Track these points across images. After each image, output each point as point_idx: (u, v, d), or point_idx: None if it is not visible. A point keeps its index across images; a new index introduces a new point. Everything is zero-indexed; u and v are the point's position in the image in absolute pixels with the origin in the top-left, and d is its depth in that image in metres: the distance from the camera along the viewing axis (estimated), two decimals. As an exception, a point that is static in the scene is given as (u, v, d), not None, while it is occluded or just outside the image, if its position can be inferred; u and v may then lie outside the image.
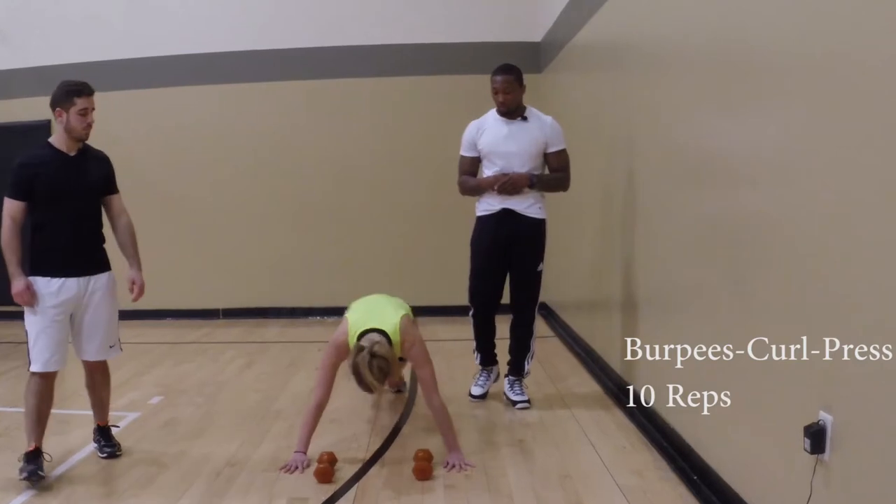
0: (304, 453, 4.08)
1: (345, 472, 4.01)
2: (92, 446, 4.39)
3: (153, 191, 8.49)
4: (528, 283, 5.03)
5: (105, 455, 4.26)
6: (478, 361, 5.32)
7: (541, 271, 5.02)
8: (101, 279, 4.17)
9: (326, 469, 3.90)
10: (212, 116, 8.48)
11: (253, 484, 3.89)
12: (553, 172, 4.97)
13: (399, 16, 8.28)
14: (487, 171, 4.96)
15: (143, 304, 9.09)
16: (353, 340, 4.01)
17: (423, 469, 3.91)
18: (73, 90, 4.03)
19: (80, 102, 4.02)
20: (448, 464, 4.02)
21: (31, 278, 3.98)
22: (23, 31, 8.40)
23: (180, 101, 8.46)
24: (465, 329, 7.43)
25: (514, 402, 5.01)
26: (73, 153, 4.08)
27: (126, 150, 8.36)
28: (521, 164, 4.86)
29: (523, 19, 8.23)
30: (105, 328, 4.20)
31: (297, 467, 4.01)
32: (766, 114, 2.96)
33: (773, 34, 2.87)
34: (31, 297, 3.95)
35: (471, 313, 5.25)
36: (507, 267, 5.05)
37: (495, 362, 5.32)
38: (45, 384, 4.01)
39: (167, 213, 8.52)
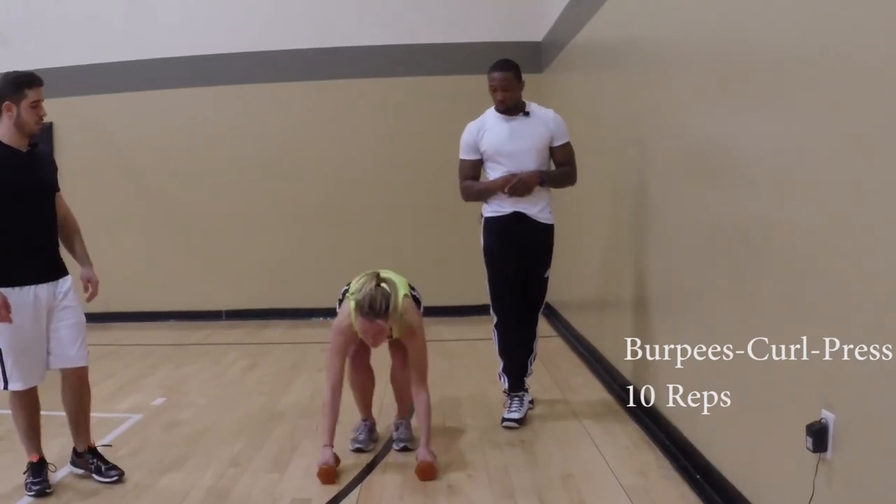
0: (331, 446, 4.01)
1: (348, 473, 4.01)
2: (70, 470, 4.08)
3: (155, 192, 8.52)
4: (536, 289, 4.83)
5: (113, 478, 3.92)
6: (505, 386, 4.81)
7: (547, 277, 4.85)
8: (67, 281, 3.94)
9: (330, 470, 3.90)
10: (214, 118, 8.49)
11: (256, 485, 3.89)
12: (559, 167, 4.79)
13: (399, 16, 8.28)
14: (493, 174, 4.72)
15: (146, 305, 9.15)
16: (355, 319, 3.94)
17: (426, 469, 3.91)
18: (22, 81, 3.74)
19: (31, 94, 3.74)
20: (418, 458, 3.96)
21: None
22: (22, 33, 8.39)
23: (182, 103, 8.47)
24: (466, 330, 7.47)
25: (502, 419, 4.67)
26: (24, 150, 3.79)
27: (127, 152, 8.43)
28: (530, 161, 4.63)
29: (524, 19, 8.22)
30: (83, 330, 3.95)
31: (328, 464, 3.92)
32: (764, 115, 2.96)
33: (773, 34, 2.87)
34: (8, 311, 3.63)
35: (494, 324, 4.86)
36: (520, 271, 4.77)
37: (524, 389, 4.81)
38: (31, 397, 3.84)
39: (169, 215, 8.53)
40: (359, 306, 3.86)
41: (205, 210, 8.55)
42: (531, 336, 4.93)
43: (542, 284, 4.86)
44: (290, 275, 8.43)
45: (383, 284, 3.96)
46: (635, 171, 4.77)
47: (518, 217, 4.68)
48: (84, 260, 4.12)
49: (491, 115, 4.77)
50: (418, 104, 8.31)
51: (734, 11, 3.24)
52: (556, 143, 4.73)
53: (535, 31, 8.14)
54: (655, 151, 4.41)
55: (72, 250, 4.11)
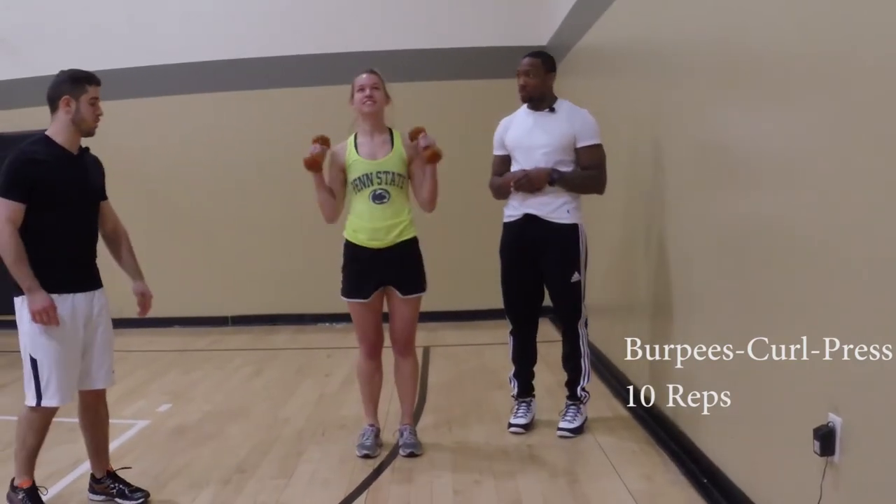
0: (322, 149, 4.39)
1: (355, 476, 4.01)
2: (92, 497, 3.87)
3: (160, 199, 8.54)
4: (563, 296, 4.52)
5: (139, 500, 3.76)
6: (514, 392, 4.75)
7: (577, 282, 4.45)
8: (102, 294, 3.75)
9: (317, 159, 4.31)
10: (219, 124, 8.50)
11: (262, 491, 3.89)
12: (584, 171, 4.44)
13: (402, 21, 8.30)
14: (513, 170, 4.52)
15: (152, 311, 9.14)
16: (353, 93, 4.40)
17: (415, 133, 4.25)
18: (83, 77, 3.59)
19: (91, 90, 3.58)
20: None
21: None
22: (26, 41, 8.45)
23: (187, 110, 8.49)
24: (473, 335, 7.47)
25: (558, 428, 4.52)
26: (76, 152, 3.63)
27: (133, 158, 8.43)
28: (546, 159, 4.38)
29: (528, 23, 8.21)
30: (112, 350, 3.80)
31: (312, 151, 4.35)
32: (767, 117, 2.96)
33: (777, 35, 2.86)
34: (56, 314, 3.45)
35: (509, 331, 4.75)
36: (538, 278, 4.55)
37: (532, 395, 4.76)
38: (50, 418, 3.60)
39: (175, 221, 8.55)
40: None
41: (210, 216, 8.56)
42: (573, 352, 4.58)
43: (569, 290, 4.48)
44: (296, 280, 8.43)
45: None
46: (640, 174, 4.76)
47: (529, 219, 4.47)
48: (136, 273, 3.95)
49: (522, 110, 4.61)
50: (422, 109, 8.26)
51: (737, 13, 3.23)
52: (581, 144, 4.41)
53: (540, 36, 8.13)
54: (660, 154, 4.40)
55: (122, 262, 3.94)
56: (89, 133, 3.63)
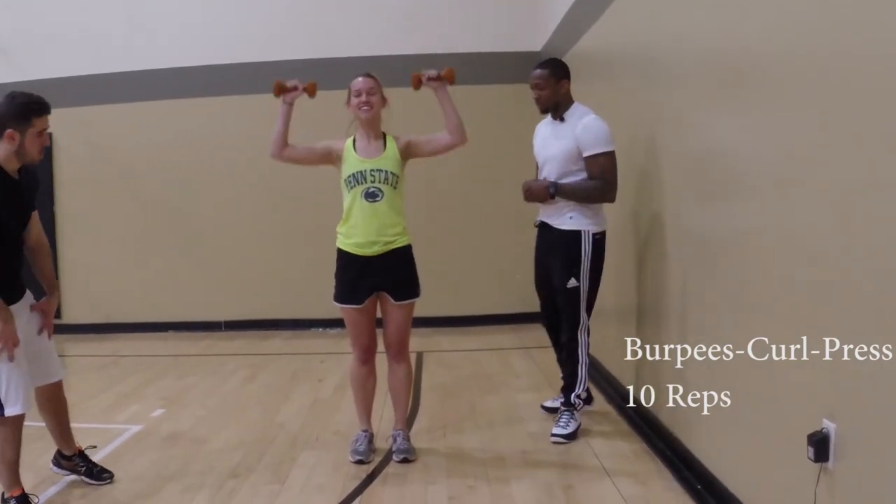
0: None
1: (349, 482, 4.00)
2: (59, 476, 4.08)
3: (154, 203, 8.52)
4: (561, 301, 4.56)
5: (106, 481, 4.00)
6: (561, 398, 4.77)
7: (573, 288, 4.47)
8: (29, 298, 3.76)
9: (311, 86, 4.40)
10: (214, 129, 8.49)
11: (256, 496, 3.88)
12: (592, 180, 4.42)
13: (399, 26, 8.31)
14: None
15: (146, 316, 9.13)
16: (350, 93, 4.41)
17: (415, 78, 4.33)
18: (30, 109, 3.47)
19: (38, 124, 3.49)
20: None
21: None
22: (21, 45, 8.43)
23: (181, 114, 8.48)
24: (467, 341, 7.47)
25: (551, 434, 4.53)
26: (16, 176, 3.57)
27: (126, 163, 8.43)
28: (557, 168, 4.47)
29: (523, 29, 8.23)
30: (53, 343, 3.86)
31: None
32: (765, 120, 2.97)
33: (772, 42, 2.88)
34: (16, 336, 3.47)
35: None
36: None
37: (573, 404, 4.66)
38: (20, 426, 3.59)
39: (168, 226, 8.53)
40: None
41: (203, 221, 8.55)
42: (569, 359, 4.61)
43: (566, 296, 4.51)
44: (290, 285, 8.42)
45: None
46: (636, 177, 4.76)
47: (542, 226, 4.64)
48: (52, 286, 3.87)
49: (547, 118, 4.71)
50: (418, 114, 8.29)
51: (731, 19, 3.25)
52: (585, 154, 4.41)
53: (534, 42, 8.15)
54: (655, 158, 4.42)
55: (42, 273, 3.87)
56: (32, 164, 3.59)
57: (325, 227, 8.37)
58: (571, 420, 4.57)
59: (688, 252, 3.90)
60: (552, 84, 4.50)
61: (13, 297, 3.62)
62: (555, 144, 4.52)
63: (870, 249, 2.28)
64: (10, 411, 3.49)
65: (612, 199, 4.49)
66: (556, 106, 4.55)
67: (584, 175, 4.44)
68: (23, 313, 3.66)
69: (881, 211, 2.22)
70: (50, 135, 3.67)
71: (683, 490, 3.74)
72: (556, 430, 4.53)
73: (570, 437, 4.50)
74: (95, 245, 8.36)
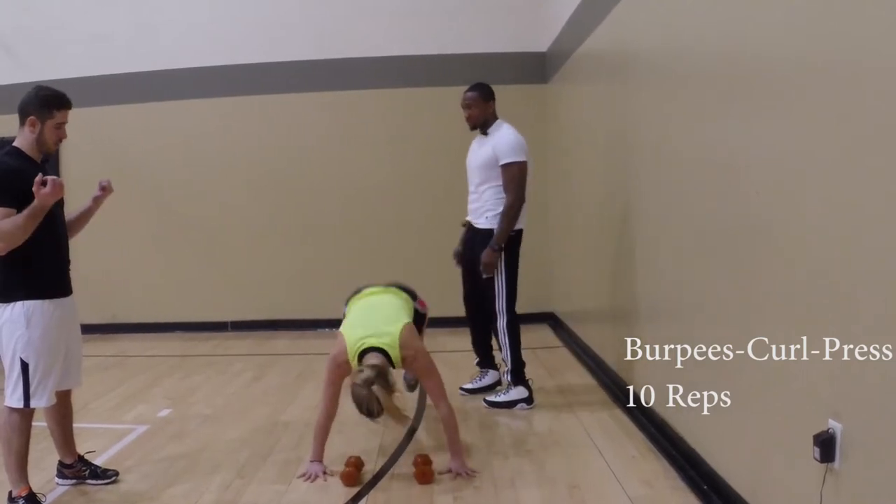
0: (321, 462, 4.12)
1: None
2: (55, 482, 4.06)
3: (160, 203, 8.55)
4: (484, 292, 5.21)
5: (111, 479, 4.05)
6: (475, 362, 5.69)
7: (489, 279, 5.11)
8: (73, 300, 3.88)
9: (352, 473, 3.99)
10: (221, 130, 8.52)
11: (262, 496, 3.89)
12: (503, 192, 5.05)
13: (405, 27, 8.31)
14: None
15: (153, 316, 9.14)
16: (353, 359, 3.98)
17: (425, 473, 3.96)
18: (53, 101, 3.70)
19: (58, 116, 3.71)
20: (449, 470, 4.03)
21: (34, 303, 3.57)
22: (28, 46, 8.48)
23: (189, 115, 8.51)
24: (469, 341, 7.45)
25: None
26: (39, 162, 3.76)
27: (135, 164, 8.45)
28: (478, 176, 5.13)
29: (529, 30, 8.24)
30: (81, 351, 3.97)
31: (316, 475, 4.05)
32: (767, 120, 2.97)
33: (777, 43, 2.87)
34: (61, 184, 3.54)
35: None
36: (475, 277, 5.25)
37: (491, 366, 5.64)
38: (31, 418, 3.67)
39: (175, 226, 8.57)
40: (359, 409, 3.82)
41: (211, 221, 8.57)
42: (501, 343, 5.26)
43: (485, 287, 5.16)
44: (297, 286, 8.45)
45: (374, 360, 3.90)
46: (639, 177, 4.76)
47: (468, 224, 5.37)
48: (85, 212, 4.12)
49: (478, 134, 5.33)
50: (425, 115, 8.32)
51: (737, 22, 3.24)
52: (500, 162, 5.03)
53: (540, 42, 8.16)
54: (659, 158, 4.41)
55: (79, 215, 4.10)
56: (48, 153, 3.81)
57: (331, 228, 8.45)
58: (500, 391, 5.30)
59: (688, 252, 3.90)
60: (481, 104, 5.16)
61: (63, 291, 3.76)
62: (478, 154, 5.16)
63: (870, 249, 2.28)
64: (34, 404, 3.62)
65: (517, 204, 5.03)
66: (483, 123, 5.20)
67: (499, 182, 5.03)
68: (69, 311, 3.79)
69: (881, 211, 2.22)
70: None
71: (689, 490, 3.73)
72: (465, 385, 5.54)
73: (501, 405, 5.18)
74: (102, 245, 8.36)
